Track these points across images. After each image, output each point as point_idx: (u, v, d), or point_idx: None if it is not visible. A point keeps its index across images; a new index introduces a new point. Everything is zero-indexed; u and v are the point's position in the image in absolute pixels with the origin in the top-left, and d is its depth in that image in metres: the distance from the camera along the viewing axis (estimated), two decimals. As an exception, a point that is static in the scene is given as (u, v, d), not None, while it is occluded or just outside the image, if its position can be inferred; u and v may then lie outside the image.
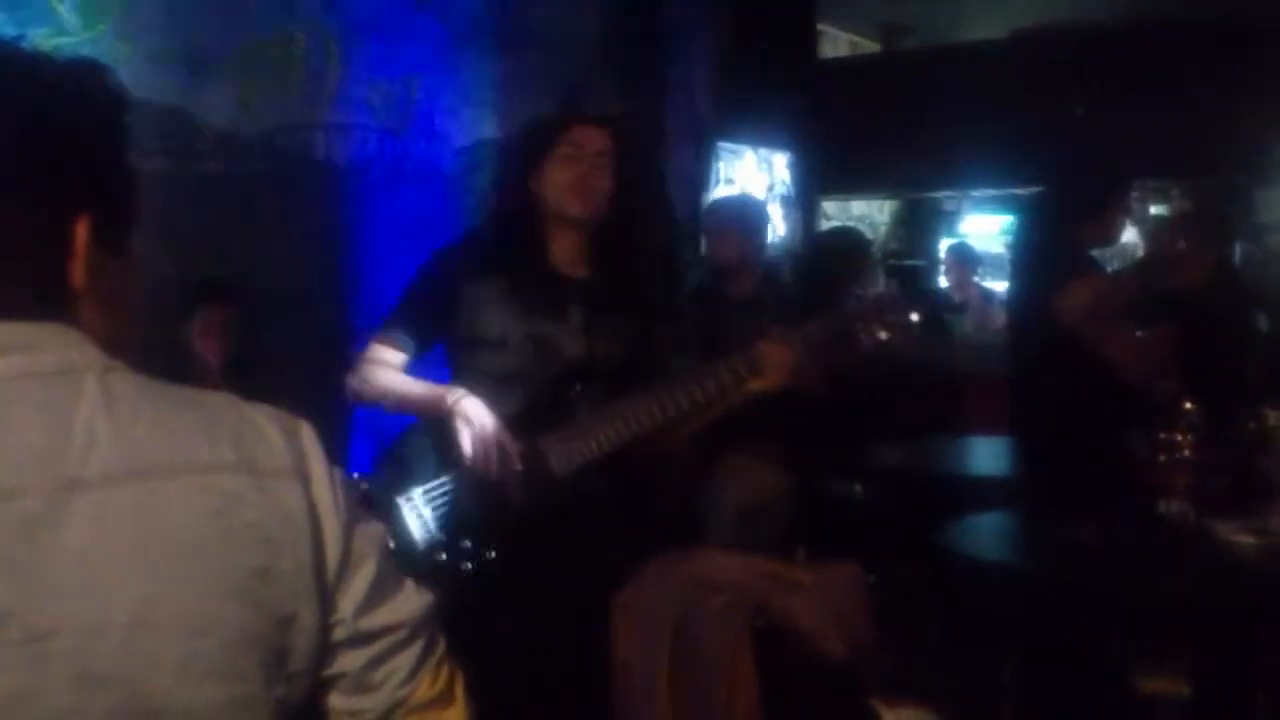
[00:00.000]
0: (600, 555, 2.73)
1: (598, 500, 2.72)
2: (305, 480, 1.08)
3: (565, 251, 2.80)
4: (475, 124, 5.00)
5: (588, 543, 2.70)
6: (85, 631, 0.95)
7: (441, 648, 1.23)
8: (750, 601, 2.81)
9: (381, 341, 2.75)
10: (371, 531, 1.16)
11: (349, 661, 1.14)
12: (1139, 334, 4.00)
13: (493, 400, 2.64)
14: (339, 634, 1.12)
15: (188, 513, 1.00)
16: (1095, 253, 4.13)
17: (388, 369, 2.73)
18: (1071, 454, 3.58)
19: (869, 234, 7.81)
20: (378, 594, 1.14)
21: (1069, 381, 3.83)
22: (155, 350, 1.16)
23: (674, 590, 2.74)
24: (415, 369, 2.79)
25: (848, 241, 5.65)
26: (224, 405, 1.10)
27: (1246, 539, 2.88)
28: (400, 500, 2.64)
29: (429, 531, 2.62)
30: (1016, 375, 4.25)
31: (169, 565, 0.99)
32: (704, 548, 3.25)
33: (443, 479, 2.67)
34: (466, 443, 2.59)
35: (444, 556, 2.56)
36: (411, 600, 1.18)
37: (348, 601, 1.12)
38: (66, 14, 3.71)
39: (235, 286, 3.93)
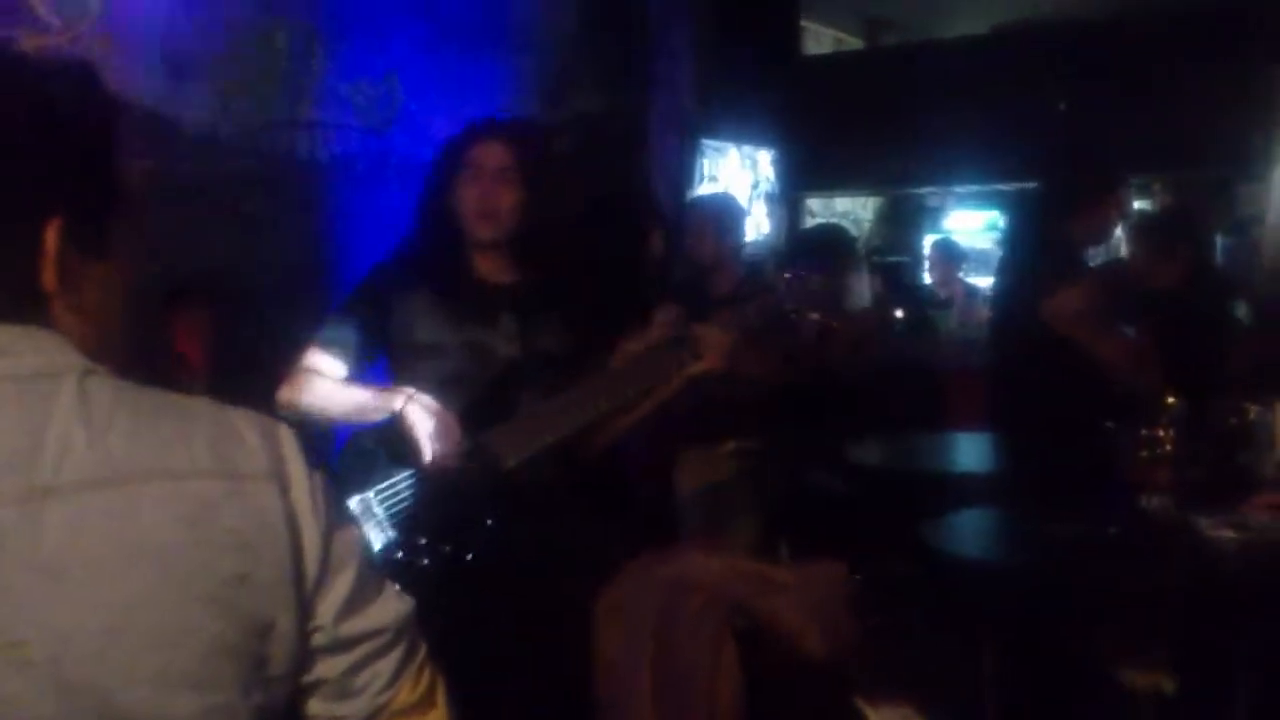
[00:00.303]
0: (555, 544, 2.75)
1: (550, 490, 2.75)
2: (284, 485, 1.08)
3: (489, 262, 2.83)
4: (459, 121, 4.98)
5: (542, 532, 2.72)
6: (58, 640, 0.95)
7: (422, 653, 1.22)
8: (732, 601, 2.81)
9: (319, 353, 2.75)
10: (351, 536, 1.15)
11: (329, 668, 1.14)
12: (1129, 332, 4.02)
13: (437, 402, 2.66)
14: (318, 640, 1.11)
15: (163, 519, 0.99)
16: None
17: (326, 379, 2.74)
18: (1054, 450, 3.61)
19: (853, 230, 7.82)
20: (358, 599, 1.13)
21: (1054, 379, 3.85)
22: (136, 351, 1.15)
23: (655, 591, 2.74)
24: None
25: (832, 238, 5.67)
26: (202, 410, 1.09)
27: (1228, 533, 2.90)
28: (353, 503, 2.65)
29: (385, 531, 2.64)
30: (999, 371, 4.27)
31: (144, 573, 0.98)
32: (685, 548, 3.26)
33: (395, 478, 2.68)
34: (419, 439, 2.59)
35: (400, 555, 2.57)
36: (392, 605, 1.18)
37: (327, 607, 1.11)
38: (46, 14, 3.69)
39: (217, 286, 3.91)
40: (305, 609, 1.09)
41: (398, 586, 1.21)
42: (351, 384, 2.75)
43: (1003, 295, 4.45)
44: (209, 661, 1.00)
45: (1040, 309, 3.87)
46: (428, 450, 2.60)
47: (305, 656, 1.11)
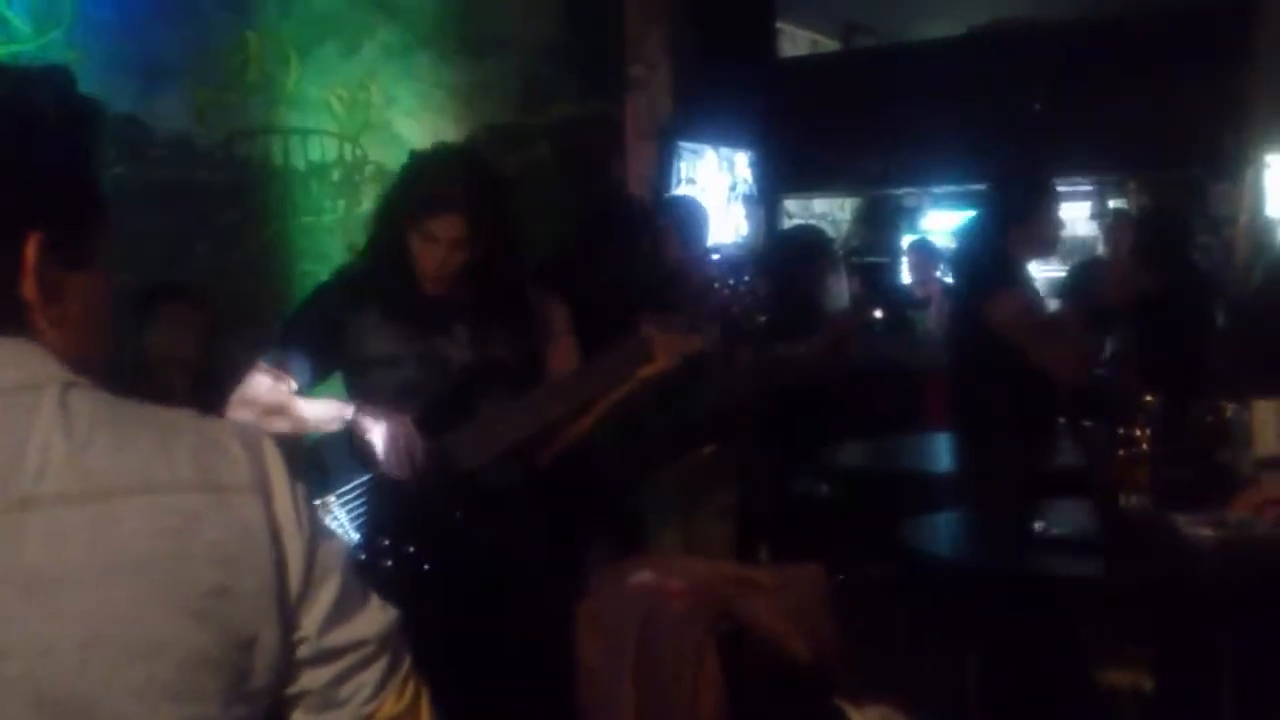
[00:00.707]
0: (514, 544, 2.77)
1: (509, 492, 2.77)
2: (267, 496, 1.07)
3: (440, 284, 2.81)
4: (435, 127, 4.98)
5: (503, 534, 2.74)
6: (36, 653, 0.94)
7: (407, 663, 1.21)
8: (714, 605, 2.81)
9: (272, 368, 2.75)
10: (335, 547, 1.14)
11: (313, 679, 1.12)
12: (1072, 334, 4.05)
13: (393, 410, 2.68)
14: (302, 652, 1.10)
15: (144, 532, 0.99)
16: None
17: (279, 392, 2.74)
18: (1002, 451, 3.66)
19: (831, 231, 7.83)
20: (342, 611, 1.12)
21: (1000, 383, 3.92)
22: (115, 359, 1.14)
23: (637, 596, 2.74)
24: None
25: (809, 239, 5.68)
26: (184, 422, 1.08)
27: (1206, 531, 2.90)
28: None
29: (346, 534, 2.64)
30: (954, 372, 4.33)
31: (124, 586, 0.97)
32: (664, 553, 3.26)
33: (354, 482, 2.69)
34: (376, 442, 2.61)
35: (363, 556, 2.57)
36: (376, 616, 1.17)
37: (311, 619, 1.10)
38: (18, 21, 3.67)
39: (196, 294, 3.89)
40: (288, 621, 1.08)
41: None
42: (301, 399, 2.75)
43: (953, 298, 4.55)
44: (190, 674, 0.99)
45: (981, 313, 3.95)
46: (385, 454, 2.61)
47: (289, 668, 1.10)
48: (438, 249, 2.73)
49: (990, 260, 4.08)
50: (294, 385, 2.75)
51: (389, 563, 2.61)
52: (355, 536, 2.65)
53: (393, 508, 2.66)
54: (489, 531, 2.71)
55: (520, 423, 2.73)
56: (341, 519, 2.67)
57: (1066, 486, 3.45)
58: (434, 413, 2.72)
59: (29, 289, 1.02)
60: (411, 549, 2.62)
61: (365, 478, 2.69)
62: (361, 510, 2.68)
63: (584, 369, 2.80)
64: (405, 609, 1.19)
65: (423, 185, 2.79)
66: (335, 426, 2.69)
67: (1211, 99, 6.27)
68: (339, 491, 2.70)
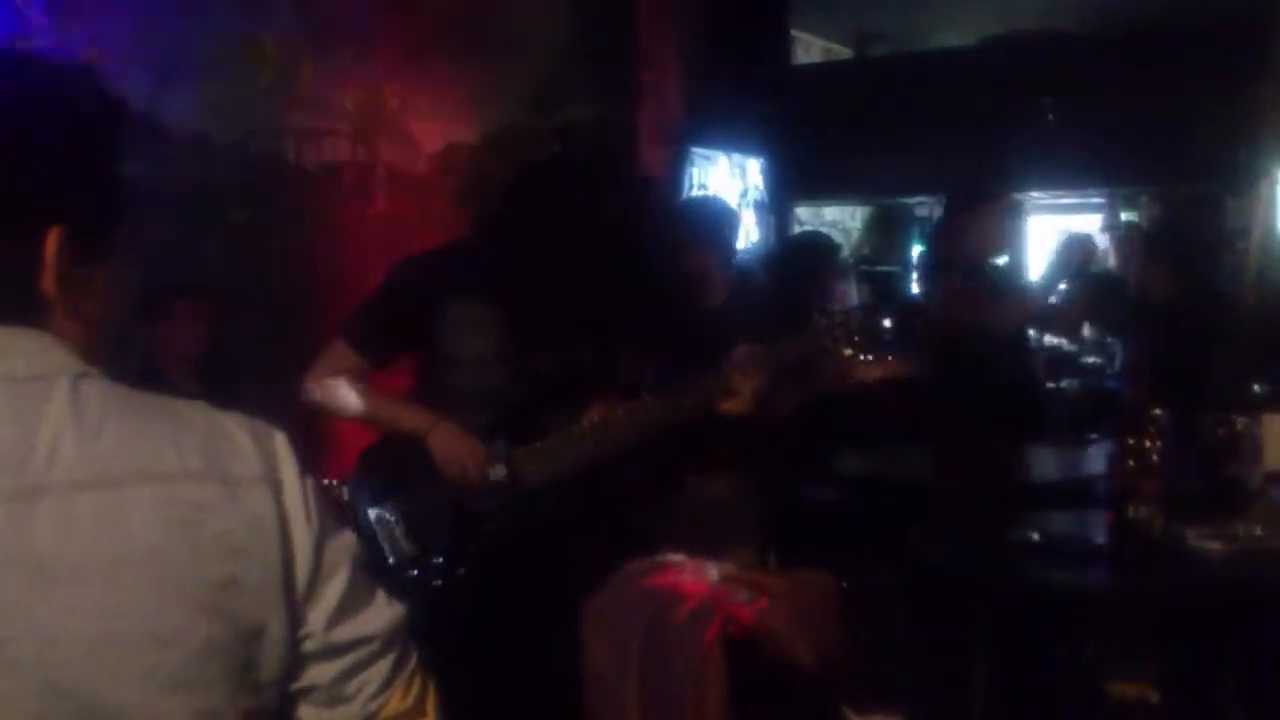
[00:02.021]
0: (573, 570, 2.73)
1: (569, 516, 2.73)
2: (276, 489, 1.07)
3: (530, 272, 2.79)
4: (447, 129, 4.98)
5: (561, 558, 2.70)
6: (44, 640, 0.95)
7: (414, 660, 1.21)
8: (720, 609, 2.80)
9: (346, 345, 2.70)
10: (343, 542, 1.14)
11: (320, 674, 1.13)
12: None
13: (467, 418, 2.63)
14: (309, 646, 1.11)
15: (152, 522, 0.99)
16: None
17: (353, 378, 2.69)
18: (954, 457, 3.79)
19: (841, 240, 7.82)
20: (349, 606, 1.13)
21: (948, 384, 4.14)
22: (125, 355, 1.15)
23: (642, 599, 2.73)
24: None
25: (814, 246, 5.67)
26: (196, 412, 1.09)
27: (1214, 544, 2.90)
28: (372, 512, 2.62)
29: (399, 547, 2.60)
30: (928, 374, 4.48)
31: (132, 576, 0.98)
32: (673, 556, 3.25)
33: (416, 494, 2.65)
34: (444, 465, 2.57)
35: (415, 572, 2.54)
36: (383, 612, 1.17)
37: (318, 613, 1.11)
38: (35, 19, 3.69)
39: (207, 291, 3.91)
40: (296, 614, 1.08)
41: (387, 593, 1.20)
42: (381, 393, 2.71)
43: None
44: (197, 664, 1.00)
45: (936, 311, 4.17)
46: (448, 477, 2.57)
47: (295, 662, 1.10)
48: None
49: (939, 258, 4.37)
50: (366, 366, 2.70)
51: (439, 582, 2.57)
52: (409, 549, 2.61)
53: (451, 527, 2.61)
54: (544, 556, 2.67)
55: (587, 449, 2.68)
56: (398, 531, 2.62)
57: (1075, 498, 3.45)
58: (506, 422, 2.67)
59: (48, 281, 1.03)
60: (463, 570, 2.58)
61: (425, 492, 2.63)
62: (420, 524, 2.63)
63: (662, 401, 2.72)
64: (451, 624, 1.19)
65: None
66: (405, 436, 2.63)
67: (1225, 112, 6.26)
68: (398, 500, 2.64)
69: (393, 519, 2.63)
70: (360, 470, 2.74)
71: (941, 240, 4.52)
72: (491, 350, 2.70)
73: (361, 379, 2.69)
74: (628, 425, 2.68)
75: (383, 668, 1.17)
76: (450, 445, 2.57)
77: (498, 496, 2.60)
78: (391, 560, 2.58)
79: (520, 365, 2.72)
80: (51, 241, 1.02)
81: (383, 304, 2.77)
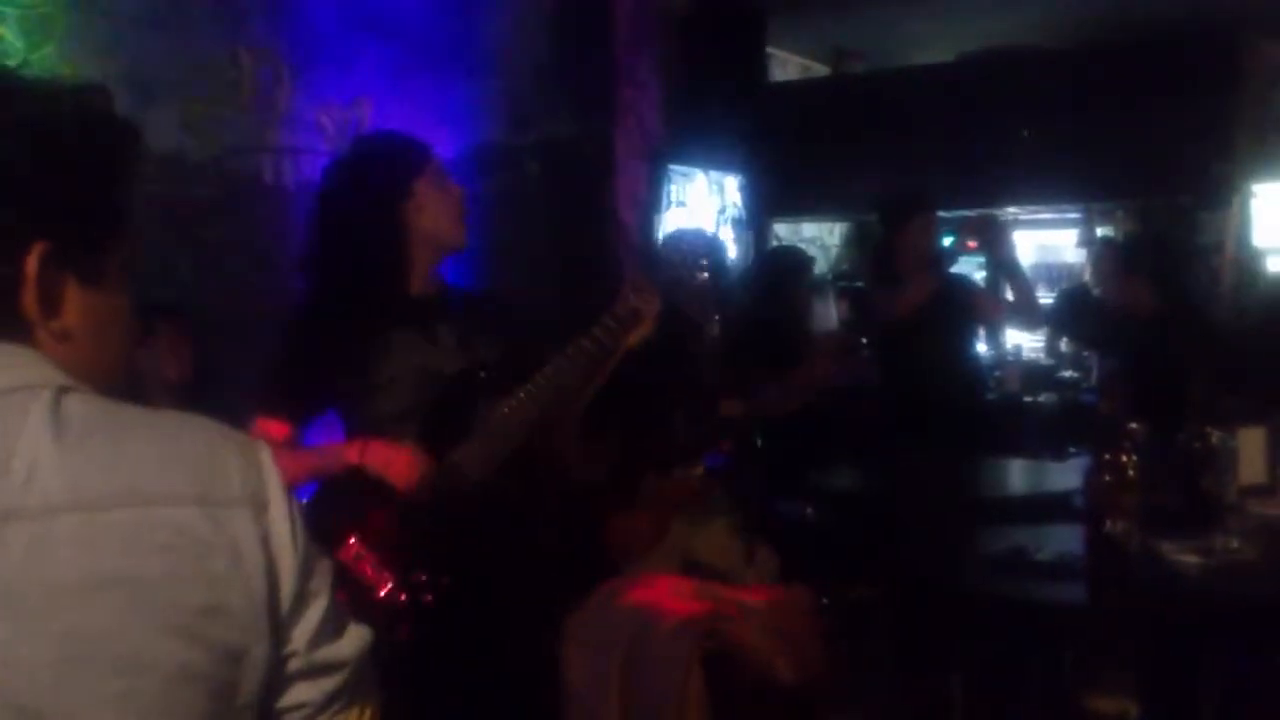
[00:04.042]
0: (541, 550, 2.74)
1: (527, 495, 2.73)
2: (262, 510, 1.06)
3: (419, 280, 2.75)
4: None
5: (528, 540, 2.70)
6: (12, 666, 0.93)
7: (374, 686, 1.20)
8: (700, 626, 2.80)
9: (266, 418, 2.62)
10: (325, 565, 1.14)
11: (306, 692, 1.12)
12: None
13: (394, 436, 2.59)
14: (294, 666, 1.10)
15: (130, 546, 0.97)
16: None
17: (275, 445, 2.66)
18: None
19: (820, 256, 7.84)
20: (328, 629, 1.12)
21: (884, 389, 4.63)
22: (121, 377, 1.14)
23: (623, 616, 2.73)
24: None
25: (788, 260, 5.71)
26: (183, 429, 1.08)
27: (1191, 558, 2.91)
28: (348, 551, 2.57)
29: (381, 575, 2.56)
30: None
31: (108, 602, 0.96)
32: (653, 573, 3.25)
33: (372, 521, 2.59)
34: (391, 479, 2.53)
35: (404, 596, 2.52)
36: (354, 637, 1.16)
37: (301, 633, 1.09)
38: (10, 37, 3.67)
39: (186, 312, 3.88)
40: (279, 636, 1.07)
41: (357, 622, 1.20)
42: (299, 447, 2.65)
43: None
44: (175, 689, 0.98)
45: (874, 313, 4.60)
46: (405, 484, 2.54)
47: (276, 682, 1.09)
48: (451, 201, 2.69)
49: (875, 264, 4.94)
50: (289, 431, 2.63)
51: (430, 597, 2.52)
52: (390, 575, 2.55)
53: (419, 541, 2.56)
54: (513, 541, 2.66)
55: (519, 417, 2.64)
56: (371, 561, 2.56)
57: (1052, 512, 3.46)
58: (434, 430, 2.64)
59: (29, 299, 1.02)
60: (448, 580, 2.54)
61: (384, 515, 2.58)
62: (388, 548, 2.57)
63: (572, 351, 2.68)
64: (451, 639, 1.18)
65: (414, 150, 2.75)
66: (337, 471, 2.56)
67: (1199, 128, 6.30)
68: (361, 531, 2.58)
69: (363, 550, 2.58)
70: (312, 513, 2.70)
71: (881, 254, 4.98)
72: (398, 367, 2.67)
73: (287, 445, 2.62)
74: (549, 381, 2.64)
75: (346, 692, 1.15)
76: (386, 453, 2.54)
77: (449, 494, 2.57)
78: (381, 593, 2.53)
79: (431, 375, 2.69)
80: (32, 259, 1.01)
81: (287, 363, 2.73)
